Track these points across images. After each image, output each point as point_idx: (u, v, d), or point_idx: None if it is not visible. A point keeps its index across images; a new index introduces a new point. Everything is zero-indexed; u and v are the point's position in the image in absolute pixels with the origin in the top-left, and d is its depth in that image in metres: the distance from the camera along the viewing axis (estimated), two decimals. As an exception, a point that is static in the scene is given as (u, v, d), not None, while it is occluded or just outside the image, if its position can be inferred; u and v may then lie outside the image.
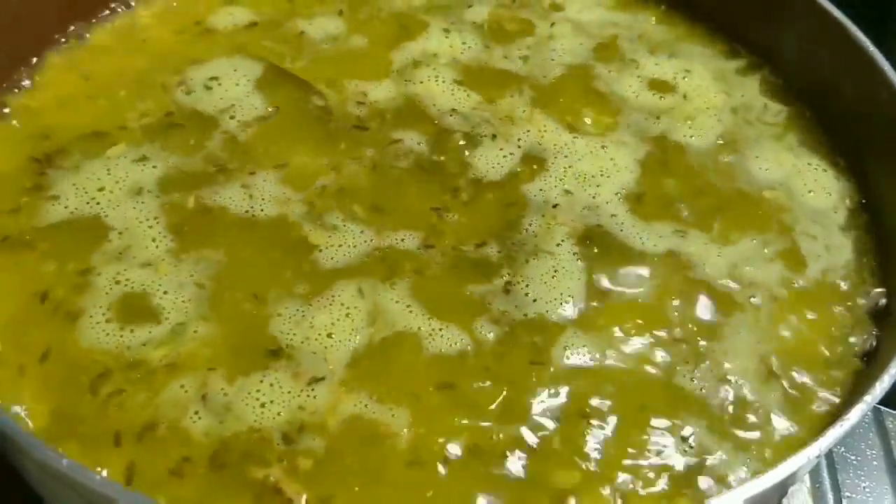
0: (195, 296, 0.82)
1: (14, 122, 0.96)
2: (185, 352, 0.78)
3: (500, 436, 0.75)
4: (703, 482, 0.74)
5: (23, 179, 0.90)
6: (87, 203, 0.88)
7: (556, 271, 0.86)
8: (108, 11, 1.07)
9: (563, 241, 0.88)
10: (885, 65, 0.94)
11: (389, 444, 0.74)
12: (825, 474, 1.01)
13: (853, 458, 1.03)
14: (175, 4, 1.10)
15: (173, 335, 0.79)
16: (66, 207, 0.88)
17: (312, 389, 0.77)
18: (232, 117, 0.97)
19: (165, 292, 0.82)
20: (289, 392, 0.76)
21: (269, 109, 0.98)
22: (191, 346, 0.79)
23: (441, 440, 0.75)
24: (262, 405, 0.75)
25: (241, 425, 0.74)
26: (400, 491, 0.72)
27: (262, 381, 0.77)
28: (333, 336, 0.80)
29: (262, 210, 0.89)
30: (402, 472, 0.73)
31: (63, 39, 1.03)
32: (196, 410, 0.75)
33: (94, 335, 0.79)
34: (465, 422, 0.76)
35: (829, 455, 1.02)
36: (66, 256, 0.84)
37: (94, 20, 1.06)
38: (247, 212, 0.89)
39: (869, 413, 1.06)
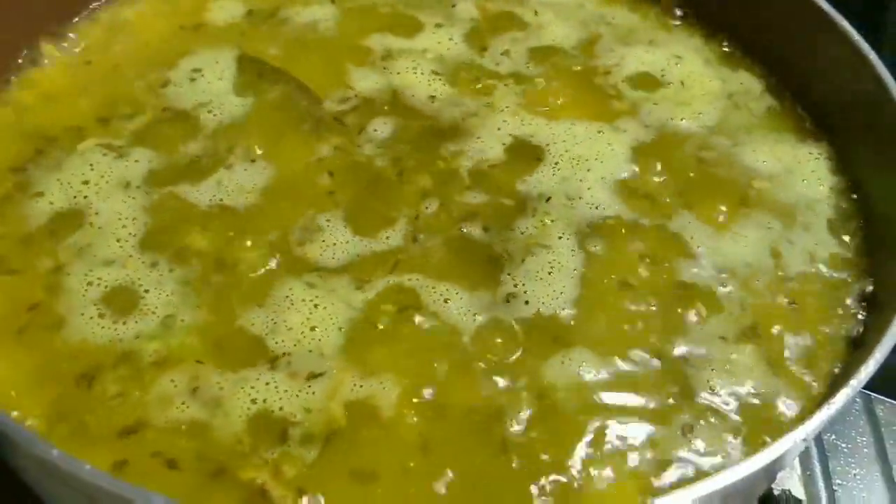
0: (178, 293, 0.82)
1: (3, 118, 0.96)
2: (176, 345, 0.79)
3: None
4: (692, 469, 0.75)
5: (8, 175, 0.90)
6: (74, 198, 0.88)
7: (552, 267, 0.86)
8: (101, 2, 1.07)
9: (555, 232, 0.88)
10: (871, 54, 0.94)
11: (385, 435, 0.75)
12: (816, 462, 1.01)
13: (844, 445, 1.03)
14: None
15: (163, 329, 0.80)
16: (51, 203, 0.88)
17: (309, 386, 0.76)
18: (212, 111, 0.96)
19: (147, 290, 0.82)
20: (286, 391, 0.76)
21: (253, 102, 0.98)
22: (179, 340, 0.79)
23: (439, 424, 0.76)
24: (254, 401, 0.75)
25: (231, 424, 0.74)
26: (397, 484, 0.73)
27: (257, 380, 0.77)
28: (317, 329, 0.80)
29: (244, 204, 0.89)
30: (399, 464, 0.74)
31: (55, 33, 1.03)
32: (184, 401, 0.75)
33: (89, 330, 0.79)
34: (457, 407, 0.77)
35: (820, 443, 1.03)
36: (55, 255, 0.85)
37: (86, 13, 1.06)
38: (228, 205, 0.89)
39: (859, 400, 1.07)
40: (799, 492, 0.98)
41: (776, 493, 0.97)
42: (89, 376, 0.77)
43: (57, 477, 0.66)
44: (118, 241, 0.85)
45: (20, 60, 1.00)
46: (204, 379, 0.77)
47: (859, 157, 0.96)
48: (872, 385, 0.96)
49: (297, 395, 0.76)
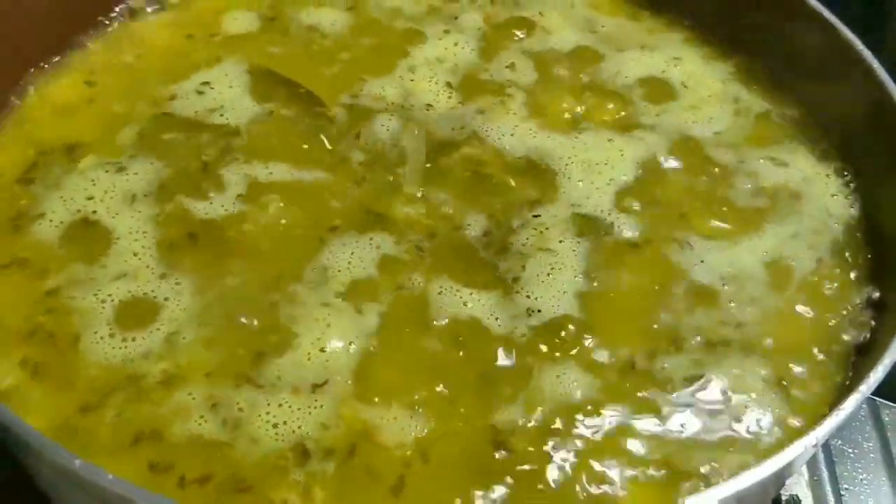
0: (190, 309, 0.82)
1: (14, 131, 0.96)
2: (185, 364, 0.79)
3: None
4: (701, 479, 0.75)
5: (17, 191, 0.91)
6: (78, 210, 0.89)
7: (552, 267, 0.87)
8: (115, 15, 1.08)
9: (556, 236, 0.89)
10: (874, 62, 0.95)
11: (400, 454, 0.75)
12: (823, 467, 1.02)
13: (851, 450, 1.04)
14: (179, 11, 1.11)
15: (169, 347, 0.80)
16: (60, 222, 0.88)
17: (316, 400, 0.77)
18: (220, 123, 0.97)
19: (160, 305, 0.82)
20: (298, 409, 0.76)
21: (262, 115, 0.98)
22: (188, 358, 0.79)
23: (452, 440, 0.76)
24: (275, 426, 0.75)
25: (254, 446, 0.74)
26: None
27: (269, 404, 0.76)
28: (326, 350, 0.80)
29: (253, 220, 0.89)
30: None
31: (68, 48, 1.04)
32: (200, 421, 0.75)
33: (101, 350, 0.79)
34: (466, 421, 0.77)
35: (827, 448, 1.04)
36: (60, 270, 0.85)
37: (98, 29, 1.07)
38: (236, 213, 0.89)
39: (866, 406, 1.08)
40: (806, 497, 0.99)
41: (784, 498, 0.98)
42: (104, 391, 0.77)
43: (75, 484, 0.66)
44: (135, 254, 0.86)
45: (31, 73, 1.01)
46: (219, 397, 0.77)
47: (864, 166, 0.97)
48: (879, 390, 0.97)
49: (310, 412, 0.76)
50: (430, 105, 1.01)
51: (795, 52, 1.04)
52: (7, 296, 0.83)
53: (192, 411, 0.76)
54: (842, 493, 1.00)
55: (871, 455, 1.04)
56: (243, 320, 0.82)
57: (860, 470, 1.03)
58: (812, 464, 1.02)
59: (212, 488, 0.72)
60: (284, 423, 0.75)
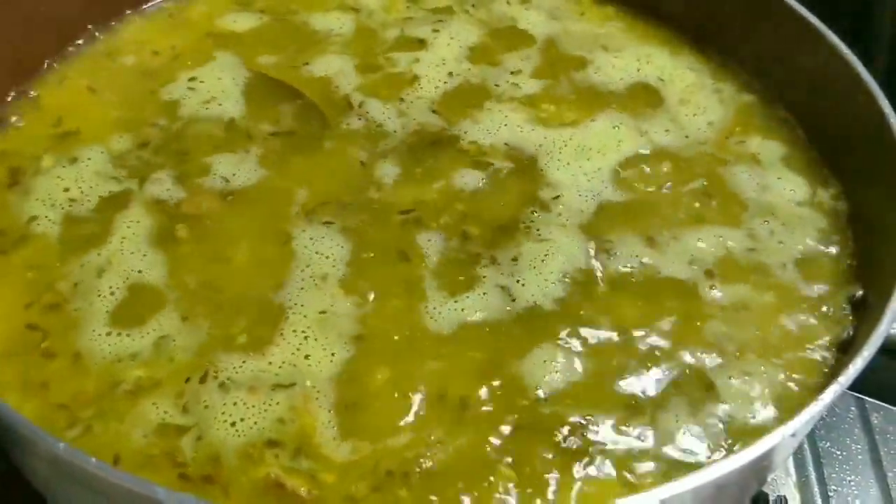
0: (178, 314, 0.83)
1: (10, 135, 0.98)
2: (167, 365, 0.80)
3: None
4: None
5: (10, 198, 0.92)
6: (65, 213, 0.90)
7: (546, 255, 0.88)
8: (114, 22, 1.10)
9: (557, 225, 0.91)
10: (859, 66, 0.96)
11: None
12: (811, 468, 1.02)
13: (838, 452, 1.04)
14: (181, 14, 1.13)
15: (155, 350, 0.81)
16: (43, 221, 0.89)
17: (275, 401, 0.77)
18: (214, 124, 0.99)
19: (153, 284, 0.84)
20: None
21: (258, 118, 1.00)
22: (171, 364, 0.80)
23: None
24: (233, 424, 0.76)
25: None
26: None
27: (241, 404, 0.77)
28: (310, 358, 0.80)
29: (240, 210, 0.91)
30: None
31: (70, 51, 1.06)
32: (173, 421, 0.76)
33: (99, 347, 0.80)
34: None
35: (815, 450, 1.04)
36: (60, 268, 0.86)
37: (93, 32, 1.09)
38: (220, 208, 0.91)
39: (855, 407, 1.08)
40: (794, 498, 0.99)
41: (772, 498, 0.98)
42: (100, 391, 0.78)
43: (67, 474, 0.67)
44: (124, 240, 0.87)
45: (27, 77, 1.03)
46: (193, 396, 0.77)
47: (850, 167, 0.98)
48: (870, 390, 0.97)
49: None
50: (420, 98, 1.03)
51: (779, 55, 1.06)
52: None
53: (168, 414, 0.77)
54: (829, 494, 1.01)
55: (860, 457, 1.04)
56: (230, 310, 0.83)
57: (848, 472, 1.03)
58: (800, 465, 1.02)
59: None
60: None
